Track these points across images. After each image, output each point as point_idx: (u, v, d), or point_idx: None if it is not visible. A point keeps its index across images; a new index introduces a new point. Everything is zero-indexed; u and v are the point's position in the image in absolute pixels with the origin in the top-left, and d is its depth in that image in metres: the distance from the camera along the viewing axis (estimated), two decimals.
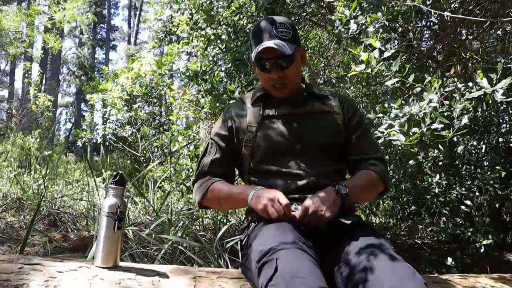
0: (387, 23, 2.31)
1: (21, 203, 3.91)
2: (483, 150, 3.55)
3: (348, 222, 1.42)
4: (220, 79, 3.38)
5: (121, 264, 1.35)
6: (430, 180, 3.13)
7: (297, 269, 1.16)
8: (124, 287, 1.21)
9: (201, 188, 1.60)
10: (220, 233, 2.58)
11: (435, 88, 1.85)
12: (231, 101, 2.97)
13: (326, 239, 1.39)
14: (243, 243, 1.52)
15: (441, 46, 3.12)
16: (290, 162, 1.52)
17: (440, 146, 2.57)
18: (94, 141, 6.81)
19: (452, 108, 1.94)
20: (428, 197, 3.09)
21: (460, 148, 3.45)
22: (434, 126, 1.89)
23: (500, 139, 3.50)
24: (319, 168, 1.51)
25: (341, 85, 3.93)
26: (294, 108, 1.60)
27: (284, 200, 1.37)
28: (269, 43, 1.49)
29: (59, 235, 3.19)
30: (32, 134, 6.77)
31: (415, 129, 1.97)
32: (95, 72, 18.31)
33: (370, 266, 1.19)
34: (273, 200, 1.37)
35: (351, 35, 2.30)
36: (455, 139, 2.61)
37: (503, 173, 3.26)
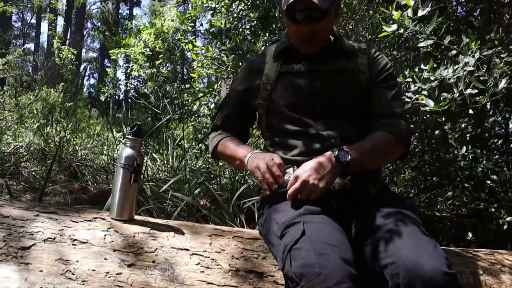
0: None
1: (43, 153, 3.97)
2: None
3: (374, 191, 1.36)
4: (245, 37, 3.27)
5: (137, 217, 1.33)
6: (456, 152, 3.01)
7: (326, 236, 1.10)
8: (139, 241, 1.20)
9: (213, 141, 1.59)
10: (238, 193, 2.56)
11: (472, 51, 1.72)
12: None
13: (350, 205, 1.32)
14: (260, 206, 1.47)
15: (479, 11, 2.91)
16: (309, 122, 1.41)
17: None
18: (117, 97, 6.82)
19: (490, 73, 1.81)
20: (452, 169, 2.98)
21: (490, 120, 3.30)
22: (468, 91, 1.78)
23: None
24: (341, 130, 1.39)
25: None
26: (316, 65, 1.45)
27: (278, 159, 1.31)
28: None
29: (79, 187, 3.24)
30: (56, 88, 6.80)
31: (446, 94, 1.87)
32: (119, 28, 18.18)
33: (396, 230, 1.14)
34: (268, 160, 1.30)
35: None
36: (488, 105, 2.44)
37: None
